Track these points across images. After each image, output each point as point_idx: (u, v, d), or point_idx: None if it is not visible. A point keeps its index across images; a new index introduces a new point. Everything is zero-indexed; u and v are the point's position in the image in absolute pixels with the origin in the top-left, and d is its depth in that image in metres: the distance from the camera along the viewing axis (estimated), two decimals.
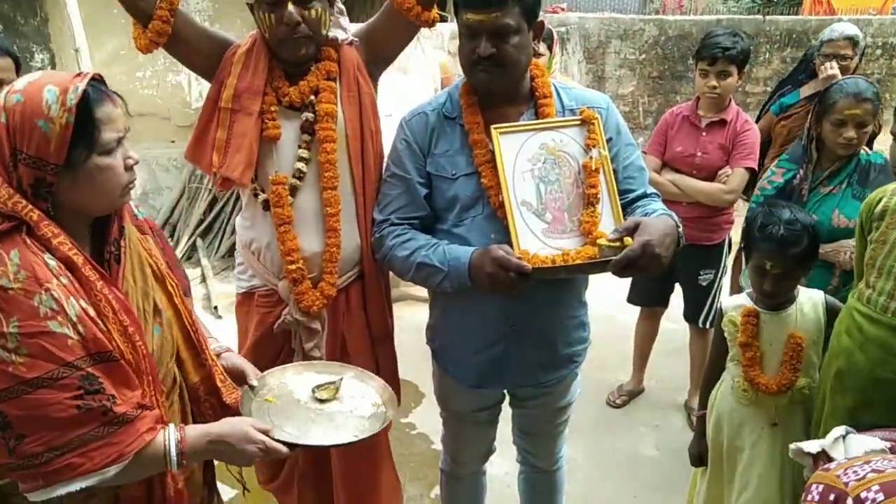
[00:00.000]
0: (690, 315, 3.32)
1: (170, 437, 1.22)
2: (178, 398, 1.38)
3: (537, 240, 1.63)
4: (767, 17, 6.26)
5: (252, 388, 1.50)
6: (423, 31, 3.74)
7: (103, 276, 1.20)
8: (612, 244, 1.52)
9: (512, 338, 1.78)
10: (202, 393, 1.41)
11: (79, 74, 1.17)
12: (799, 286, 2.04)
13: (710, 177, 3.05)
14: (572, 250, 1.61)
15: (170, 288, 1.35)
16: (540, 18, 1.71)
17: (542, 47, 3.27)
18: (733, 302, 2.12)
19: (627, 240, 1.51)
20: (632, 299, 3.51)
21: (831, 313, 2.02)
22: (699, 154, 3.07)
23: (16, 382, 1.08)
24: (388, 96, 3.67)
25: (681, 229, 1.62)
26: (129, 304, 1.23)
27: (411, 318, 3.86)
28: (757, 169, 3.04)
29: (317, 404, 1.53)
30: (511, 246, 1.59)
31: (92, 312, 1.14)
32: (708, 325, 3.26)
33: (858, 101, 2.33)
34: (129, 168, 1.22)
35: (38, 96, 1.12)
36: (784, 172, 2.59)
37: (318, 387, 1.56)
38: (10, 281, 1.08)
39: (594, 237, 1.61)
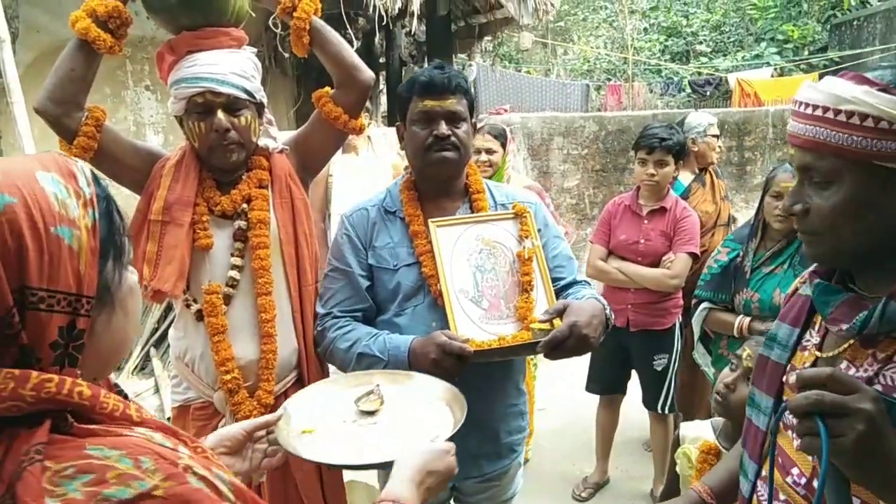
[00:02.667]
0: (648, 401, 3.31)
1: None
2: None
3: (475, 326, 1.67)
4: (699, 111, 6.62)
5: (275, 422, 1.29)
6: (374, 132, 3.90)
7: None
8: (542, 326, 1.56)
9: None
10: None
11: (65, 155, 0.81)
12: None
13: (655, 263, 3.13)
14: (508, 336, 1.65)
15: None
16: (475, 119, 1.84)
17: (496, 145, 3.42)
18: (693, 432, 1.93)
19: (557, 322, 1.55)
20: (590, 388, 3.50)
21: None
22: (642, 241, 3.16)
23: None
24: (342, 196, 3.75)
25: (608, 311, 1.67)
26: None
27: None
28: (699, 253, 3.14)
29: (366, 418, 1.34)
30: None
31: (228, 476, 0.81)
32: (666, 411, 3.25)
33: (794, 176, 2.45)
34: None
35: (37, 191, 0.71)
36: (729, 251, 2.69)
37: (359, 399, 1.38)
38: (147, 481, 0.68)
39: (529, 322, 1.65)
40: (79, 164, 0.78)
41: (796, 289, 1.21)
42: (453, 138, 1.71)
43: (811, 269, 1.13)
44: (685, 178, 3.58)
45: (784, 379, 1.12)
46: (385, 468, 1.15)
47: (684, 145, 3.25)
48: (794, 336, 1.13)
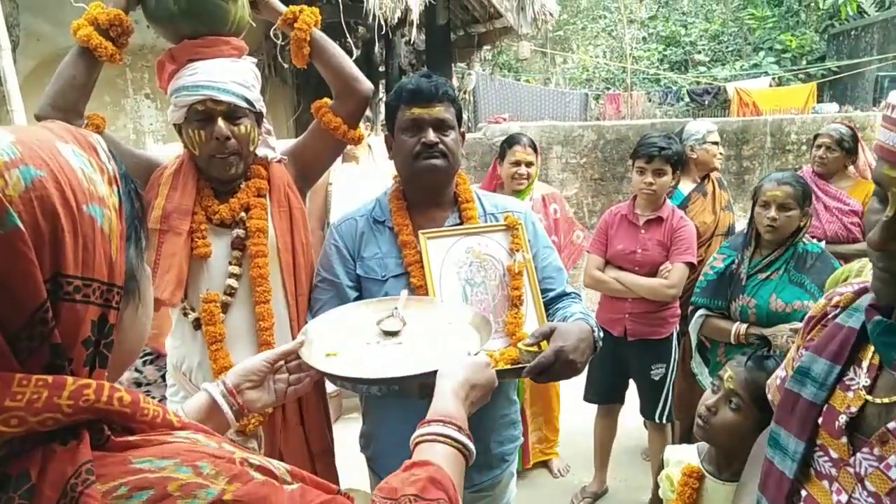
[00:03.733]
0: (646, 411, 3.31)
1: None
2: None
3: None
4: (698, 119, 6.66)
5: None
6: (374, 141, 3.92)
7: None
8: (529, 349, 1.54)
9: None
10: None
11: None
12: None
13: (652, 272, 3.13)
14: (496, 351, 1.64)
15: None
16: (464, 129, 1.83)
17: (534, 157, 3.49)
18: (677, 455, 1.89)
19: (544, 344, 1.53)
20: (588, 397, 3.49)
21: None
22: (639, 251, 3.16)
23: None
24: (342, 205, 3.77)
25: (596, 333, 1.64)
26: None
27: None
28: (696, 263, 3.15)
29: (390, 339, 1.33)
30: None
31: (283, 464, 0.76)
32: (664, 420, 3.25)
33: (779, 185, 2.50)
34: None
35: (63, 164, 0.61)
36: (724, 258, 2.71)
37: (380, 321, 1.37)
38: (213, 487, 0.61)
39: (518, 338, 1.64)
40: (94, 136, 0.69)
41: (825, 314, 1.07)
42: (441, 146, 1.71)
43: (868, 302, 0.97)
44: (685, 186, 3.58)
45: (820, 421, 0.98)
46: (424, 379, 1.14)
47: (683, 155, 3.26)
48: (833, 374, 0.99)
